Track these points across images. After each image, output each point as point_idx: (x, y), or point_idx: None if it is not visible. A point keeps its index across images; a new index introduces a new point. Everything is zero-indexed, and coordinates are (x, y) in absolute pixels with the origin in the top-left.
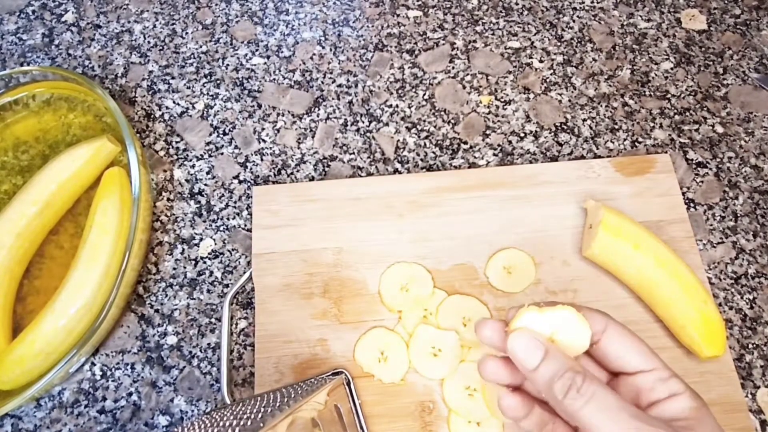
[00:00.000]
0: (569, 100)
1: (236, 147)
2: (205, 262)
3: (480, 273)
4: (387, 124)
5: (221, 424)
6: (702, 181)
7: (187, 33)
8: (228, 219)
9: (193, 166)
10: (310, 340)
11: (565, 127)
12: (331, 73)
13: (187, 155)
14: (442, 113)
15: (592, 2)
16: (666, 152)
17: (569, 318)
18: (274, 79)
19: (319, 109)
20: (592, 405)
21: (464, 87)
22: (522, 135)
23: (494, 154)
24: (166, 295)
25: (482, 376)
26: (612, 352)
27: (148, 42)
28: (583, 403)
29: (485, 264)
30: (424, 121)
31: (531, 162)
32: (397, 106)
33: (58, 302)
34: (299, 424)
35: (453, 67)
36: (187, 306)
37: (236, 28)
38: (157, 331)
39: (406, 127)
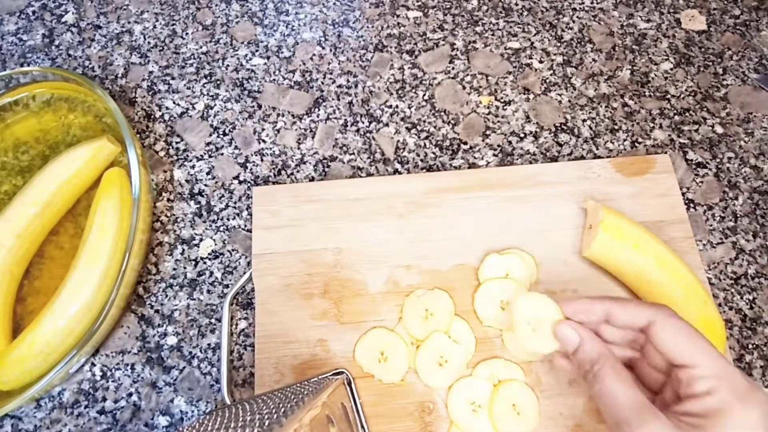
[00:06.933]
0: (569, 101)
1: (236, 147)
2: (205, 263)
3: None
4: (387, 125)
5: (222, 425)
6: (702, 182)
7: (187, 33)
8: (228, 219)
9: (193, 167)
10: (310, 340)
11: (565, 128)
12: (331, 73)
13: (187, 156)
14: (442, 114)
15: (592, 3)
16: (666, 152)
17: (517, 260)
18: (274, 79)
19: (319, 110)
20: (597, 387)
21: (464, 87)
22: (522, 135)
23: (494, 155)
24: (166, 296)
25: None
26: (660, 346)
27: (148, 42)
28: (594, 383)
29: (480, 263)
30: (424, 121)
31: (531, 162)
32: (397, 106)
33: (58, 303)
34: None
35: (453, 68)
36: (187, 306)
37: (236, 29)
38: (157, 332)
39: (406, 128)
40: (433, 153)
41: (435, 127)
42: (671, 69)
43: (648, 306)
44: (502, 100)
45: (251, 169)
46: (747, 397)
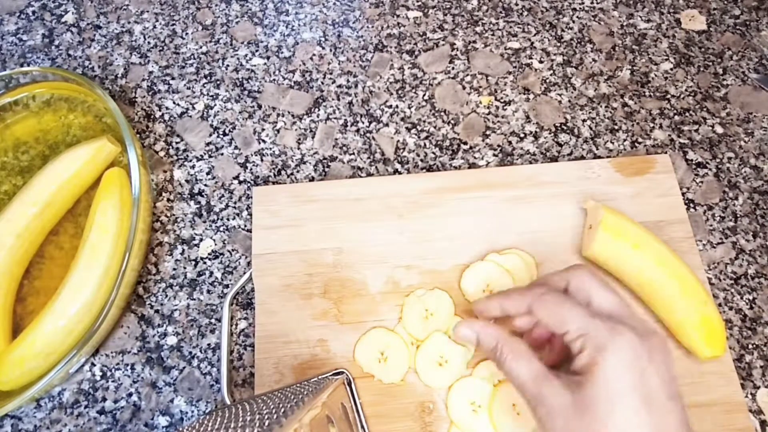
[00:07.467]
0: (569, 101)
1: (236, 147)
2: (205, 263)
3: None
4: (387, 125)
5: (222, 425)
6: (702, 182)
7: (187, 33)
8: (228, 219)
9: (193, 167)
10: (310, 340)
11: (565, 128)
12: (331, 73)
13: (187, 156)
14: (442, 114)
15: (592, 3)
16: (666, 152)
17: (517, 260)
18: (274, 79)
19: (319, 110)
20: (503, 370)
21: (464, 87)
22: (522, 135)
23: (494, 155)
24: (166, 296)
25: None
26: (544, 325)
27: (148, 42)
28: (500, 367)
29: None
30: (424, 121)
31: (531, 162)
32: (397, 106)
33: (58, 303)
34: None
35: (453, 68)
36: (187, 306)
37: (236, 29)
38: (157, 332)
39: (406, 128)
40: (433, 153)
41: (435, 127)
42: (671, 69)
43: (524, 292)
44: (502, 100)
45: (251, 169)
46: (606, 348)
